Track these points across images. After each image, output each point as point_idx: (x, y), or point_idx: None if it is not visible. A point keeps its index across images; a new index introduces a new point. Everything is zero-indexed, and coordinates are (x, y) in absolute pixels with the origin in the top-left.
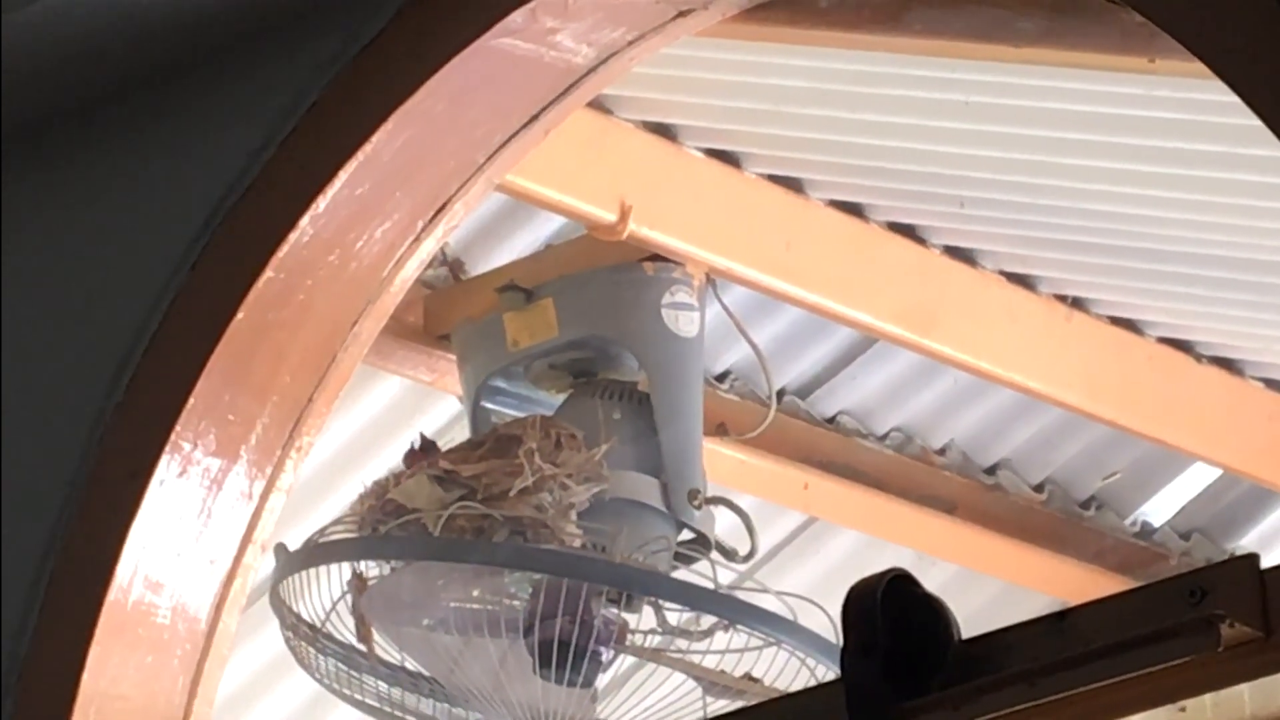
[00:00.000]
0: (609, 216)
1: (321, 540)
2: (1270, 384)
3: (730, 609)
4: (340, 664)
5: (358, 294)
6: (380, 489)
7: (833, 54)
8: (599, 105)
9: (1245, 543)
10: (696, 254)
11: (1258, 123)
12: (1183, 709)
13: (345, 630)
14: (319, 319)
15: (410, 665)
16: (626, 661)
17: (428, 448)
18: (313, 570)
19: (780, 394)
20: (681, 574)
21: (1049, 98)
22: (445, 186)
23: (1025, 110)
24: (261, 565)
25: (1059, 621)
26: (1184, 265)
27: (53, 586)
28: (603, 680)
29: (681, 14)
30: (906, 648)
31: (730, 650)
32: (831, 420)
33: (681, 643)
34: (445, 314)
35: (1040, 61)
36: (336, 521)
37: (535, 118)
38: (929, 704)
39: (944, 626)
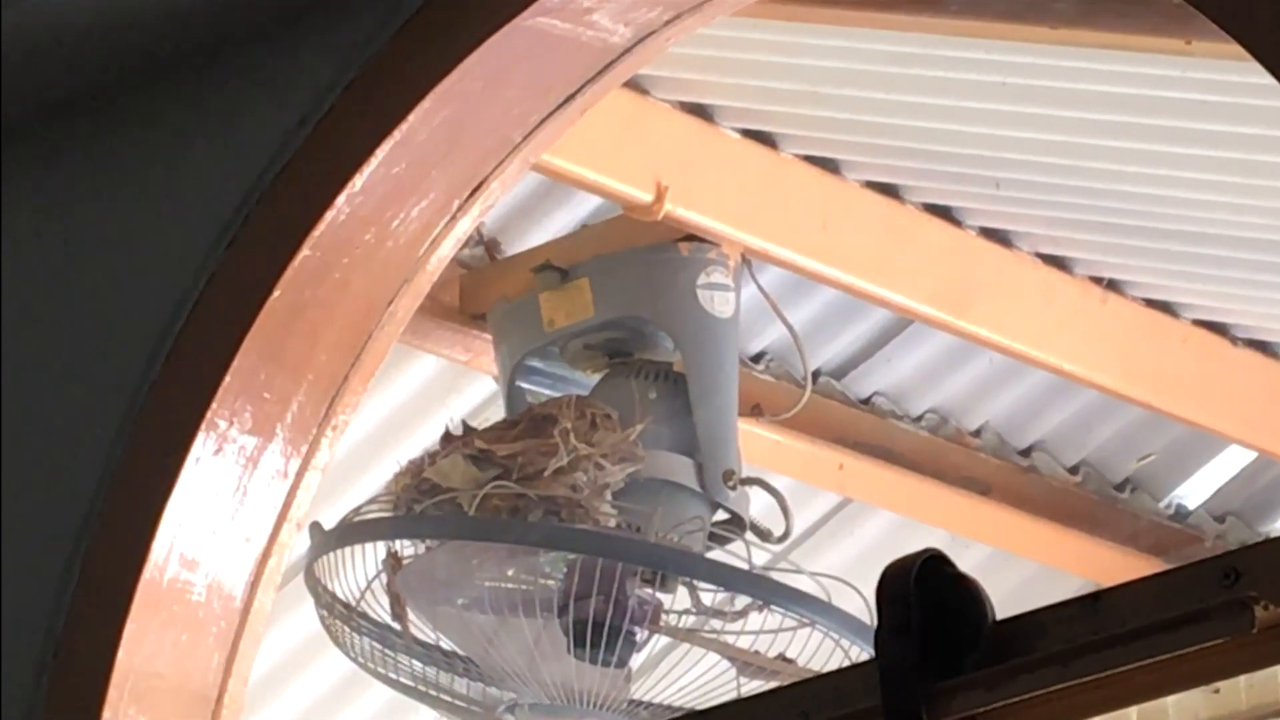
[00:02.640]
0: (645, 196)
1: (357, 519)
2: None
3: (764, 589)
4: (375, 643)
5: (394, 273)
6: (416, 468)
7: (869, 35)
8: (635, 85)
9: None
10: (732, 234)
11: None
12: (1216, 690)
13: (380, 609)
14: (355, 298)
15: (445, 644)
16: (660, 641)
17: (465, 433)
18: (348, 549)
19: (815, 375)
20: (716, 554)
21: (1085, 79)
22: (481, 166)
23: (1061, 92)
24: (297, 544)
25: (1093, 603)
26: (1220, 248)
27: (88, 564)
28: (637, 660)
29: None
30: (941, 629)
31: (764, 631)
32: (866, 401)
33: (716, 623)
34: (481, 293)
35: (1076, 43)
36: (372, 500)
37: (572, 97)
38: (963, 684)
39: (978, 607)
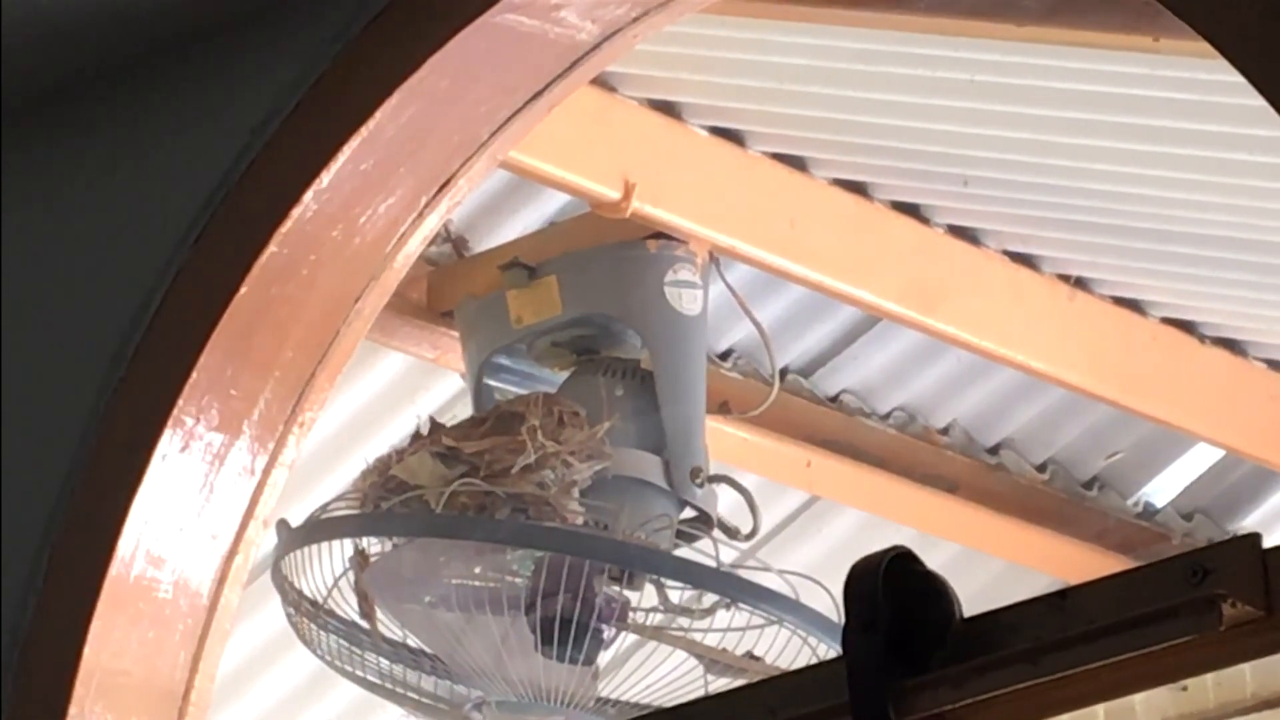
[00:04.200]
0: (613, 194)
1: (324, 516)
2: (1273, 365)
3: (732, 587)
4: (342, 640)
5: (361, 270)
6: (383, 465)
7: (837, 32)
8: (603, 82)
9: (1248, 523)
10: (700, 232)
11: (1262, 103)
12: (1184, 688)
13: (347, 607)
14: (322, 294)
15: (412, 642)
16: (628, 639)
17: (432, 430)
18: (315, 546)
19: (783, 372)
20: (683, 552)
21: (1053, 77)
22: (449, 163)
23: (1029, 89)
24: (263, 541)
25: (1061, 600)
26: (1188, 246)
27: (55, 560)
28: (604, 658)
29: None
30: (908, 626)
31: (732, 628)
32: (834, 399)
33: (683, 621)
34: (449, 291)
35: (1044, 40)
36: (339, 498)
37: (539, 94)
38: (930, 682)
39: (946, 605)
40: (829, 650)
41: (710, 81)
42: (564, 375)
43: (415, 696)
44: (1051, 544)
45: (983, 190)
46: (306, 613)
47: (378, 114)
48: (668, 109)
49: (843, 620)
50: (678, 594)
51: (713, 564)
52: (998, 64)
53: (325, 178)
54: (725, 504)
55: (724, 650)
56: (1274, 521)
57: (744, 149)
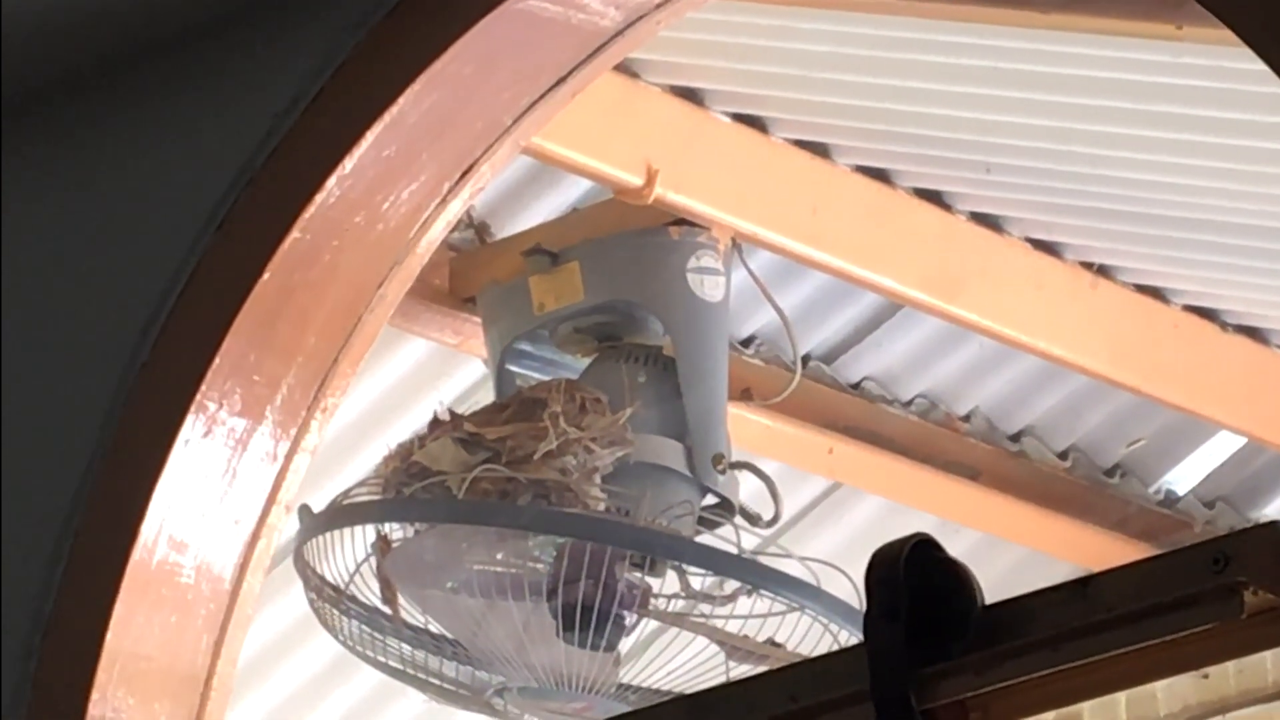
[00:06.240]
0: (635, 180)
1: (346, 502)
2: None
3: (753, 574)
4: (364, 626)
5: (384, 256)
6: (405, 451)
7: (860, 19)
8: (626, 69)
9: (1269, 511)
10: (722, 218)
11: None
12: (1206, 676)
13: (369, 592)
14: (345, 280)
15: (434, 628)
16: (649, 626)
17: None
18: (337, 532)
19: (805, 359)
20: (705, 539)
21: (1076, 64)
22: (472, 149)
23: (1052, 76)
24: (286, 526)
25: (1082, 588)
26: (1210, 233)
27: (78, 545)
28: (625, 644)
29: None
30: (929, 613)
31: (753, 615)
32: (856, 386)
33: (704, 607)
34: (471, 277)
35: (1067, 27)
36: (361, 483)
37: (562, 80)
38: (951, 669)
39: (967, 592)
40: (850, 637)
41: (733, 68)
42: (586, 361)
43: (437, 682)
44: (1073, 531)
45: (1005, 177)
46: (328, 598)
47: (400, 100)
48: (690, 95)
49: (864, 607)
50: (699, 580)
51: (734, 550)
52: (1021, 51)
53: (348, 164)
54: (747, 490)
55: (745, 637)
56: None
57: (767, 136)
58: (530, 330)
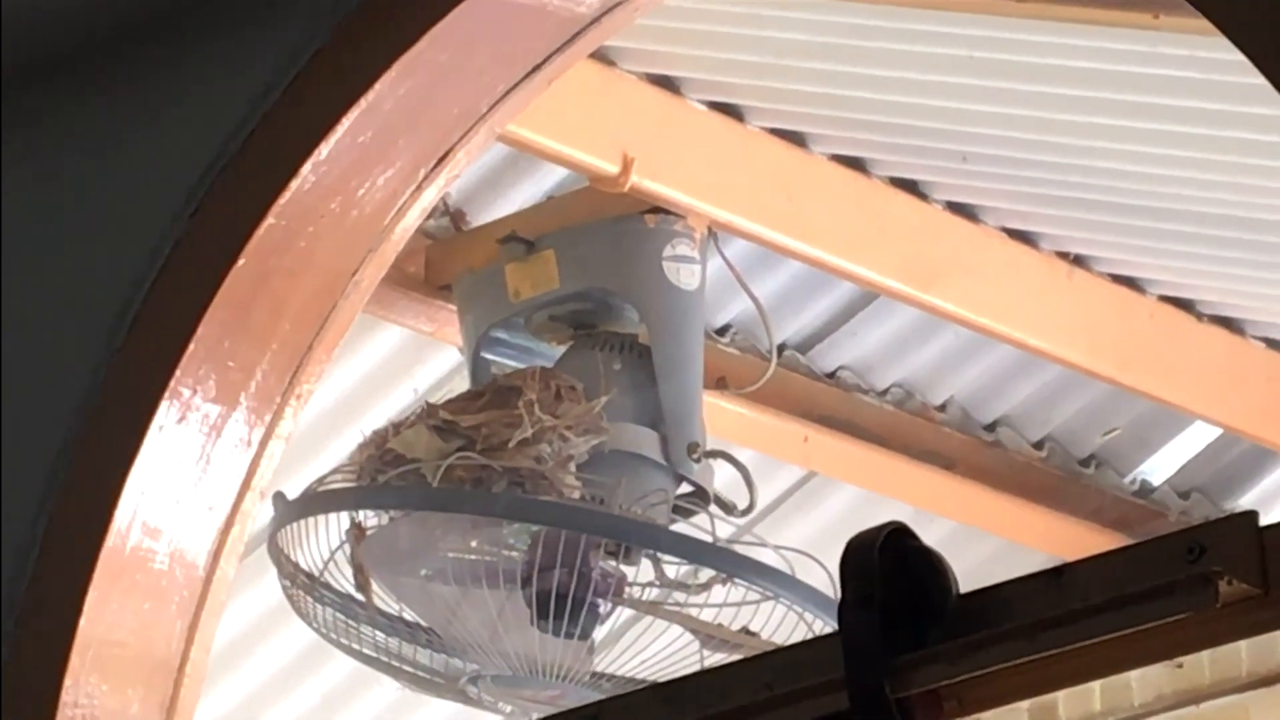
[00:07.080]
0: (611, 168)
1: (320, 489)
2: (1271, 343)
3: (728, 562)
4: (338, 613)
5: (359, 242)
6: (380, 438)
7: (836, 7)
8: (602, 56)
9: (1244, 502)
10: (698, 207)
11: (1261, 80)
12: (1180, 665)
13: (343, 579)
14: (320, 267)
15: (408, 615)
16: (624, 614)
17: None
18: (311, 519)
19: (781, 348)
20: (680, 527)
21: (1052, 53)
22: (448, 135)
23: (1028, 66)
24: (260, 513)
25: (1057, 577)
26: (1186, 224)
27: (51, 531)
28: (600, 632)
29: None
30: (904, 602)
31: (728, 604)
32: (832, 375)
33: (679, 596)
34: (446, 264)
35: (1044, 17)
36: (335, 470)
37: (538, 67)
38: (926, 658)
39: (942, 581)
40: (825, 626)
41: (709, 56)
42: (561, 349)
43: (411, 670)
44: (1048, 521)
45: (981, 167)
46: (302, 585)
47: (376, 86)
48: (667, 84)
49: (839, 596)
50: (674, 569)
51: (709, 539)
52: (997, 40)
53: (324, 150)
54: (722, 479)
55: (720, 625)
56: (1271, 500)
57: (743, 124)
58: (505, 318)
